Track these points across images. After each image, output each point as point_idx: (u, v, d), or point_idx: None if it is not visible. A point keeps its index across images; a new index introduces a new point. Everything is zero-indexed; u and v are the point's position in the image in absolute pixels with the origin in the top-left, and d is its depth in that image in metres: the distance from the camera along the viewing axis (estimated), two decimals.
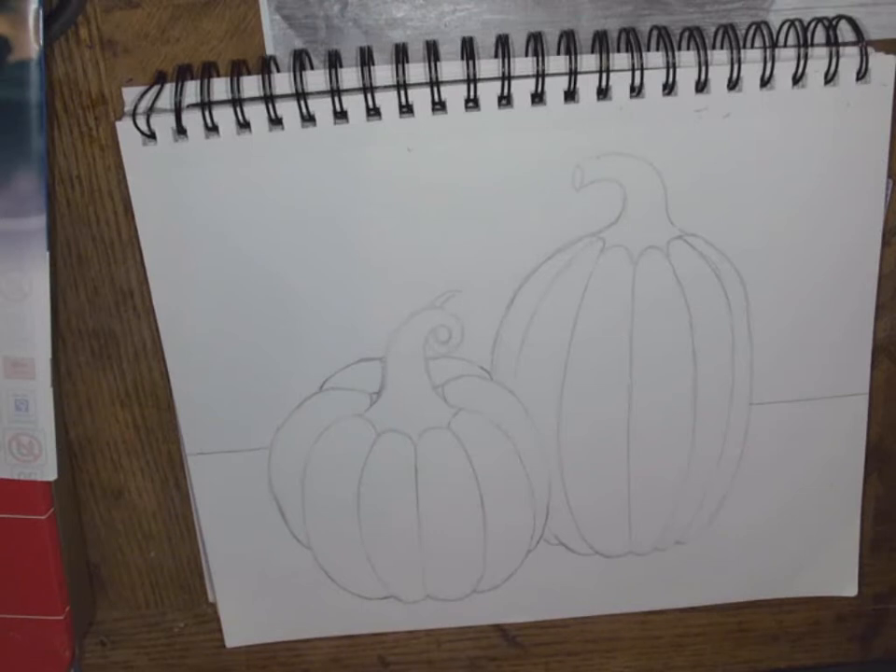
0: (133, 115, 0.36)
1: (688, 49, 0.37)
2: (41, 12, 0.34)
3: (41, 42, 0.34)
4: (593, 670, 0.49)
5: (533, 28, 0.38)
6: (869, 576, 0.48)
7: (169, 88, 0.36)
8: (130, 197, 0.38)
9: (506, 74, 0.36)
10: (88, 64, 0.38)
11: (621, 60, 0.36)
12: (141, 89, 0.36)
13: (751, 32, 0.38)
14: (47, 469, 0.40)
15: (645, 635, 0.48)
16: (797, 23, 0.37)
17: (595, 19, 0.38)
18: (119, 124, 0.36)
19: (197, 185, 0.37)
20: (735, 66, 0.36)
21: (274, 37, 0.37)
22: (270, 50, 0.38)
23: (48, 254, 0.37)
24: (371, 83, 0.36)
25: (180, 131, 0.36)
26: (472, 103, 0.37)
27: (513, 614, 0.47)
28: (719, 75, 0.37)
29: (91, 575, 0.46)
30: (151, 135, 0.36)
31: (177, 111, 0.36)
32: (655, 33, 0.37)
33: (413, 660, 0.48)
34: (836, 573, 0.46)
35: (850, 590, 0.47)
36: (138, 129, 0.36)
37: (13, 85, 0.35)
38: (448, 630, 0.48)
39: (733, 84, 0.37)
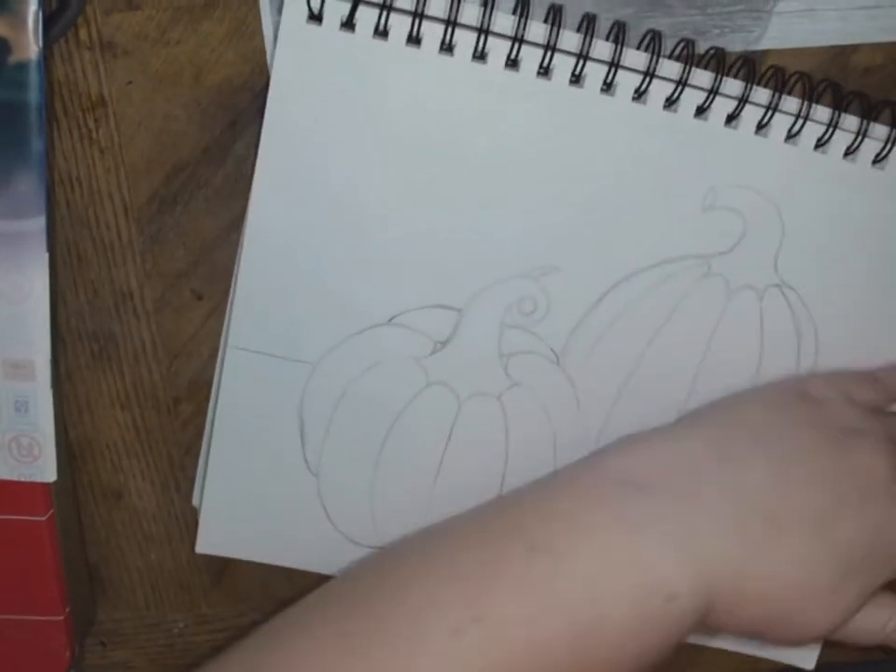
0: None
1: (846, 111, 0.38)
2: (41, 14, 0.34)
3: (41, 44, 0.34)
4: None
5: None
6: None
7: None
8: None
9: (683, 80, 0.36)
10: (87, 66, 0.38)
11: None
12: None
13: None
14: (46, 471, 0.40)
15: None
16: None
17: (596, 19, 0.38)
18: None
19: (346, 82, 0.36)
20: (889, 146, 0.37)
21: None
22: (270, 52, 0.38)
23: (47, 255, 0.37)
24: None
25: (348, 24, 0.35)
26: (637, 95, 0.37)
27: None
28: (870, 148, 0.37)
29: (90, 575, 0.46)
30: (316, 17, 0.35)
31: (355, 3, 0.35)
32: (828, 89, 0.38)
33: None
34: None
35: None
36: (309, 7, 0.35)
37: (13, 87, 0.35)
38: None
39: (878, 159, 0.38)
